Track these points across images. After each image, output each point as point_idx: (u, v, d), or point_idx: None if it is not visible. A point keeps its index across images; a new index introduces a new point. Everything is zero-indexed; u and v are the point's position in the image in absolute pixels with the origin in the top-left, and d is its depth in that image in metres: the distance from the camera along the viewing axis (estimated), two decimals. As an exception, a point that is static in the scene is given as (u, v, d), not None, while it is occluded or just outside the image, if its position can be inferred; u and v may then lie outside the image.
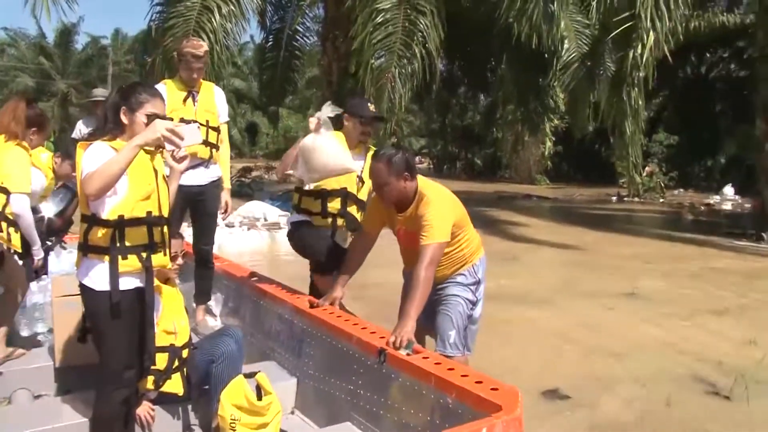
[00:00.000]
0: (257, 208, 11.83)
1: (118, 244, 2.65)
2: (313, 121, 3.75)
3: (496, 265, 8.37)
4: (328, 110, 3.70)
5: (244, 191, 18.19)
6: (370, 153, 4.15)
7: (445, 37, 10.81)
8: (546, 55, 13.92)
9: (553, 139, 27.75)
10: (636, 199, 21.61)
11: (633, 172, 12.96)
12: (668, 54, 10.86)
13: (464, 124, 33.08)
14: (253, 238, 10.42)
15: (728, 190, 22.31)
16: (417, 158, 36.80)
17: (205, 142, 4.43)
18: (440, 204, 3.34)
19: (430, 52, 10.30)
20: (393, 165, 3.32)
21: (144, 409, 3.06)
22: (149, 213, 2.71)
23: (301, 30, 16.84)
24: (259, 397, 3.05)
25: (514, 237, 12.31)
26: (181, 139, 2.59)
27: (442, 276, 3.49)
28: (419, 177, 3.44)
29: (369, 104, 4.16)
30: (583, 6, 14.01)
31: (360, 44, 10.06)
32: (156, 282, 3.08)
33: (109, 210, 2.62)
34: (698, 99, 25.86)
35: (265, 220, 11.36)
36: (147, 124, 2.64)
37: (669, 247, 11.50)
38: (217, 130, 4.57)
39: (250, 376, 3.12)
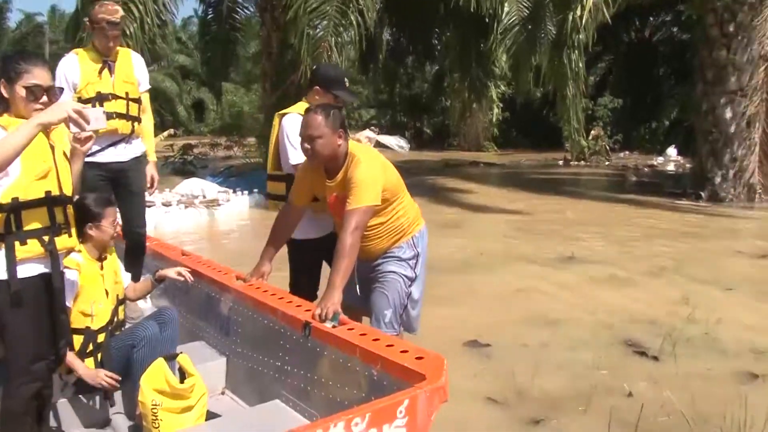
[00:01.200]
0: (195, 185, 11.57)
1: (14, 229, 2.46)
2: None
3: (440, 232, 8.43)
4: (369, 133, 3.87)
5: (187, 169, 17.82)
6: None
7: (387, 4, 10.66)
8: (487, 20, 13.85)
9: (501, 105, 27.82)
10: (582, 162, 21.88)
11: (576, 135, 13.11)
12: (609, 17, 10.92)
13: (412, 94, 32.88)
14: (191, 217, 10.18)
15: (671, 151, 22.78)
16: (370, 128, 36.55)
17: (126, 116, 4.20)
18: (369, 165, 3.15)
19: (369, 21, 10.12)
20: (330, 117, 3.12)
21: (100, 377, 2.97)
22: (48, 193, 2.52)
23: (240, 1, 16.54)
24: (182, 380, 2.95)
25: (460, 204, 12.34)
26: (87, 122, 2.44)
27: (379, 249, 3.35)
28: (351, 141, 3.28)
29: (347, 80, 3.85)
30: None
31: (295, 13, 9.84)
32: (75, 262, 2.96)
33: (1, 193, 2.43)
34: (642, 63, 26.20)
35: (204, 197, 11.12)
36: (27, 97, 2.48)
37: (612, 209, 11.67)
38: (138, 101, 4.30)
39: (171, 358, 3.01)
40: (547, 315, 5.39)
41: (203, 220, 10.32)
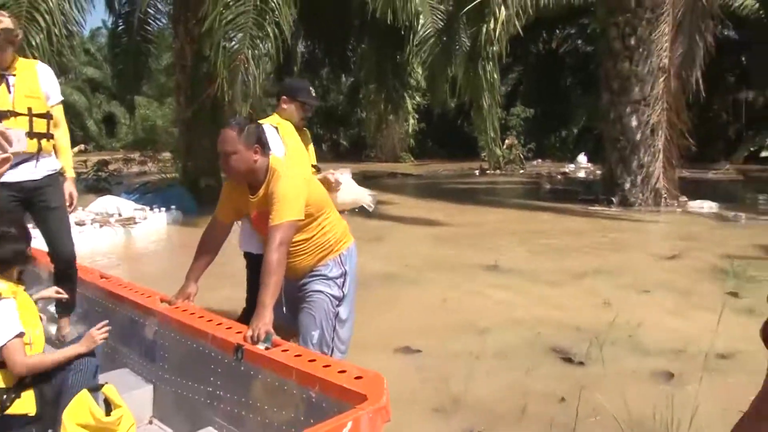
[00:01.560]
0: (110, 203, 11.12)
1: None
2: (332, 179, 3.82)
3: (363, 245, 8.33)
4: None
5: (102, 186, 17.19)
6: (307, 135, 4.16)
7: (302, 16, 10.58)
8: (402, 32, 13.99)
9: (417, 116, 28.17)
10: (498, 171, 22.38)
11: (492, 145, 13.40)
12: (521, 29, 11.21)
13: (328, 106, 32.89)
14: (106, 236, 9.76)
15: (581, 158, 23.59)
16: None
17: (30, 134, 3.82)
18: (290, 180, 3.08)
19: (285, 33, 10.01)
20: (244, 132, 3.06)
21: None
22: None
23: (152, 12, 16.13)
24: (108, 412, 2.79)
25: (381, 216, 12.32)
26: (10, 144, 2.28)
27: (305, 267, 3.28)
28: (272, 156, 3.20)
29: (311, 89, 4.04)
30: (436, -19, 14.22)
31: (210, 25, 9.64)
32: (12, 288, 2.78)
33: None
34: (551, 73, 27.14)
35: (120, 215, 10.72)
36: None
37: (529, 217, 11.94)
38: (45, 116, 3.94)
39: (95, 389, 2.84)
40: (475, 323, 5.42)
41: (120, 239, 9.93)
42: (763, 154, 23.17)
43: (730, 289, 6.28)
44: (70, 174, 4.24)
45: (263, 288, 2.88)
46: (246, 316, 3.25)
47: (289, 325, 3.30)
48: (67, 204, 4.16)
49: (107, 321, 2.98)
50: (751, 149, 23.70)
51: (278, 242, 2.94)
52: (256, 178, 3.13)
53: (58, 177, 4.12)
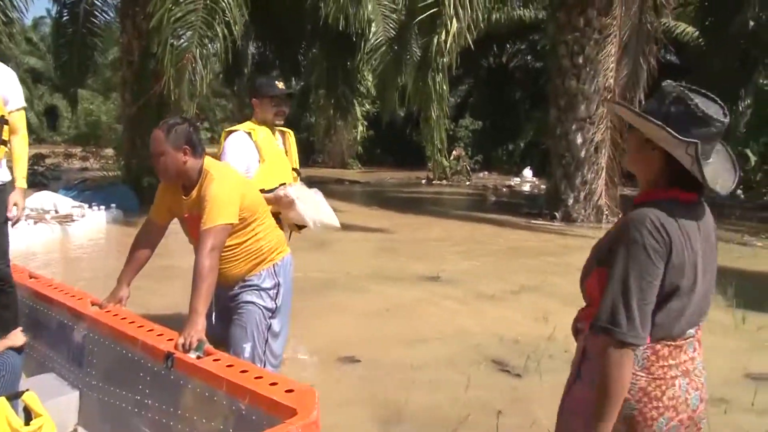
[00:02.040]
0: (47, 199, 10.78)
1: None
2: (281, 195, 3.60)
3: (305, 252, 8.31)
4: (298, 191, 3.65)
5: (38, 180, 16.66)
6: (291, 137, 3.98)
7: (253, 17, 10.46)
8: (354, 39, 13.99)
9: (366, 123, 28.17)
10: (444, 181, 22.52)
11: (438, 155, 13.47)
12: (471, 43, 11.29)
13: (277, 109, 32.68)
14: (41, 233, 9.43)
15: (527, 172, 23.93)
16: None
17: None
18: (224, 182, 3.01)
19: (235, 33, 9.87)
20: (172, 133, 2.99)
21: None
22: None
23: (98, 5, 15.73)
24: (28, 421, 2.67)
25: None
26: None
27: (237, 274, 3.19)
28: (207, 158, 3.12)
29: (277, 81, 3.77)
30: (390, -11, 14.23)
31: (158, 21, 9.44)
32: None
33: None
34: (500, 87, 27.42)
35: (56, 212, 10.40)
36: None
37: (473, 229, 12.02)
38: (1, 122, 3.76)
39: (15, 397, 2.71)
40: (416, 334, 5.42)
41: (55, 237, 9.62)
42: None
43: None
44: (21, 184, 4.00)
45: (195, 294, 2.81)
46: None
47: (219, 336, 3.18)
48: (9, 214, 3.92)
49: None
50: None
51: (210, 247, 2.87)
52: (188, 179, 3.06)
53: (6, 188, 3.90)
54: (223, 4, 9.51)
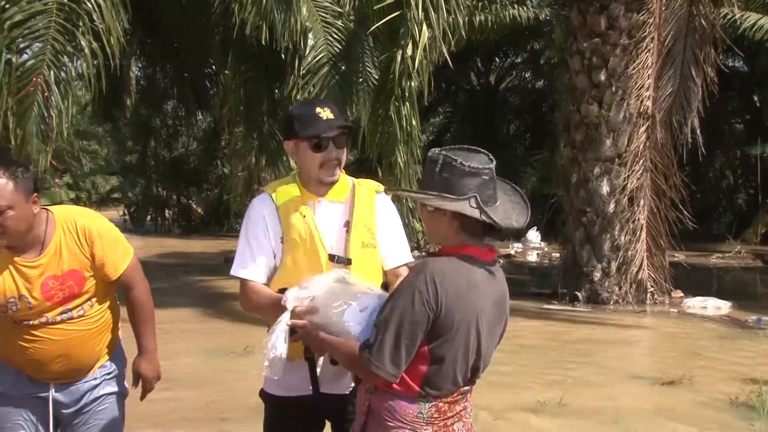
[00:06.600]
0: None
1: None
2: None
3: (221, 359, 7.99)
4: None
5: None
6: (365, 190, 3.44)
7: (137, 24, 10.14)
8: (284, 55, 13.82)
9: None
10: (418, 252, 22.31)
11: (409, 218, 13.16)
12: (449, 57, 11.18)
13: (175, 156, 32.42)
14: None
15: (532, 235, 23.90)
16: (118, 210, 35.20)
17: None
18: (95, 216, 3.48)
19: (108, 47, 9.52)
20: (20, 179, 3.11)
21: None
22: None
23: None
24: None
25: (248, 319, 11.84)
26: None
27: (91, 357, 3.42)
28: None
29: (319, 108, 3.22)
30: (332, -13, 14.13)
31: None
32: None
33: None
34: (488, 117, 27.60)
35: None
36: None
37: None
38: None
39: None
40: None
41: None
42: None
43: (759, 432, 6.13)
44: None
45: (147, 334, 3.50)
46: None
47: None
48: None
49: None
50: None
51: (141, 279, 3.50)
52: (35, 234, 3.25)
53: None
54: (90, 4, 9.17)
